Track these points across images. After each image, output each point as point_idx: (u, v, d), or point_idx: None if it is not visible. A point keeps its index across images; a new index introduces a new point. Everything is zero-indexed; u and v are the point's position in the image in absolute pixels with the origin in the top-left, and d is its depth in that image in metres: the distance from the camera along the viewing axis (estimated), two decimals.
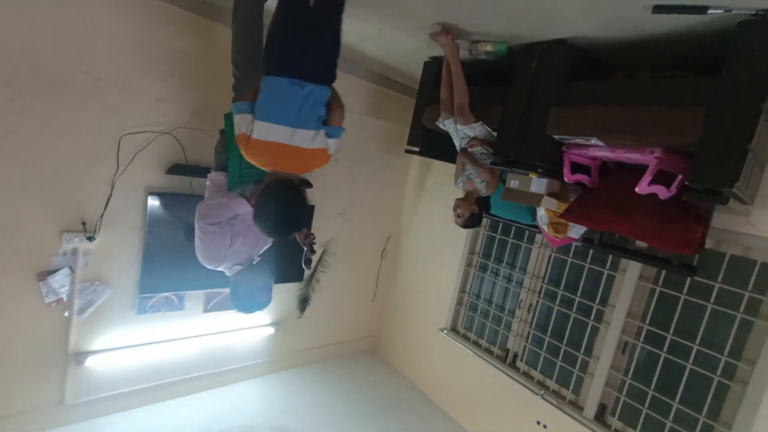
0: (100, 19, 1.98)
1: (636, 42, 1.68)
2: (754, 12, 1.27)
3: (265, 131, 1.32)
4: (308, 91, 1.34)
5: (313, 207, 2.97)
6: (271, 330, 3.07)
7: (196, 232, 1.73)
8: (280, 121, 1.32)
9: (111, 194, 2.16)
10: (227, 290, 2.71)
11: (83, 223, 2.10)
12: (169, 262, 2.37)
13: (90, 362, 2.25)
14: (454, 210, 2.24)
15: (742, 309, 1.90)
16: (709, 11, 1.30)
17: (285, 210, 1.44)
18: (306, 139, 1.38)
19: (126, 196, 2.22)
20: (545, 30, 1.75)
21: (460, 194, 2.34)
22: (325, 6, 1.34)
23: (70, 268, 2.11)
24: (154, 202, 2.26)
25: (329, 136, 1.45)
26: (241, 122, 1.34)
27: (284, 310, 3.14)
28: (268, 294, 1.96)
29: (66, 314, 2.15)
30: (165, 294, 2.46)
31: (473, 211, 2.21)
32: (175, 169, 2.32)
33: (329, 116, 1.45)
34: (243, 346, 2.98)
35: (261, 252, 2.01)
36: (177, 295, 2.52)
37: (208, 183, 1.92)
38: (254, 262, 1.95)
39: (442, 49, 2.04)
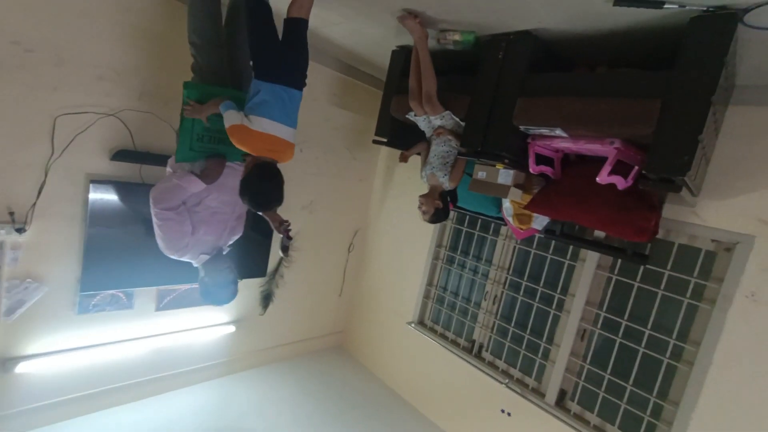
0: None
1: (596, 37, 1.73)
2: (705, 8, 1.33)
3: (266, 125, 1.60)
4: (291, 95, 1.64)
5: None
6: (232, 328, 2.92)
7: (153, 219, 1.67)
8: (278, 119, 1.61)
9: (45, 181, 1.94)
10: (182, 287, 2.56)
11: (11, 213, 1.87)
12: (115, 256, 2.17)
13: (22, 368, 2.02)
14: (419, 207, 2.21)
15: (688, 294, 2.02)
16: (665, 5, 1.35)
17: (273, 184, 1.66)
18: (290, 134, 1.68)
19: (63, 183, 2.00)
20: (512, 21, 1.76)
21: (426, 188, 2.32)
22: (298, 29, 1.65)
23: None
24: (97, 191, 2.06)
25: None
26: (234, 117, 1.58)
27: (246, 307, 3.00)
28: (236, 285, 1.93)
29: None
30: (111, 291, 2.25)
31: (437, 206, 2.17)
32: (122, 155, 2.13)
33: None
34: (200, 346, 2.81)
35: (231, 242, 1.98)
36: (125, 293, 2.32)
37: (168, 169, 1.85)
38: (224, 252, 1.93)
39: (411, 34, 2.00)
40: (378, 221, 3.69)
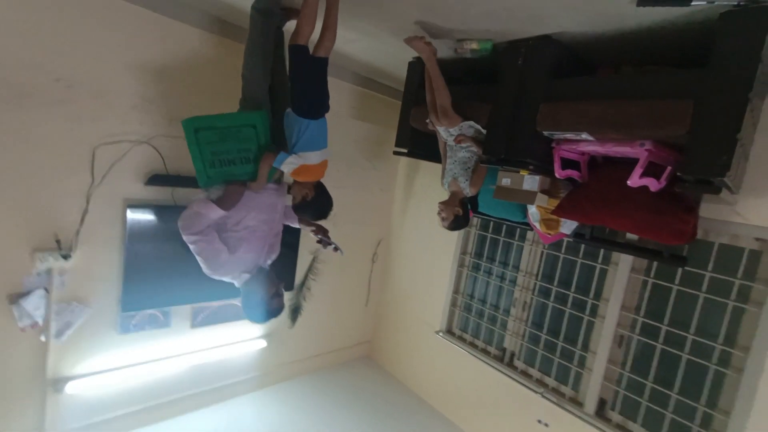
0: (71, 24, 1.88)
1: (619, 37, 1.69)
2: (736, 2, 1.28)
3: (318, 156, 1.87)
4: (325, 121, 1.88)
5: None
6: (263, 342, 2.98)
7: (188, 245, 1.76)
8: (323, 146, 1.90)
9: (87, 208, 2.04)
10: (215, 304, 2.64)
11: (57, 241, 1.99)
12: (152, 277, 2.26)
13: (71, 388, 2.12)
14: (438, 214, 2.21)
15: (733, 297, 1.92)
16: (692, 3, 1.31)
17: (328, 198, 2.02)
18: (329, 154, 1.94)
19: (103, 209, 2.11)
20: (530, 26, 1.75)
21: (447, 195, 2.32)
22: (325, 67, 1.83)
23: (45, 288, 1.99)
24: (133, 215, 2.16)
25: None
26: (291, 162, 1.80)
27: (275, 320, 3.02)
28: (280, 300, 1.98)
29: (42, 338, 2.02)
30: (149, 311, 2.34)
31: (457, 213, 2.15)
32: (155, 179, 2.23)
33: None
34: (234, 361, 2.87)
35: (271, 260, 2.07)
36: (162, 312, 2.41)
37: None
38: (265, 268, 2.01)
39: (419, 54, 2.04)
40: (401, 230, 3.69)
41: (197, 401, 2.71)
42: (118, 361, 2.31)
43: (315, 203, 1.96)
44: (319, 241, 2.22)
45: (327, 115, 1.87)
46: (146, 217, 2.20)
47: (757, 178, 1.81)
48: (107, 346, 2.25)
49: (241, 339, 2.87)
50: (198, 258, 1.77)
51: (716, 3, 1.30)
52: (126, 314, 2.25)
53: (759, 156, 1.80)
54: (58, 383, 2.10)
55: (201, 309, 2.59)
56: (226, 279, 1.87)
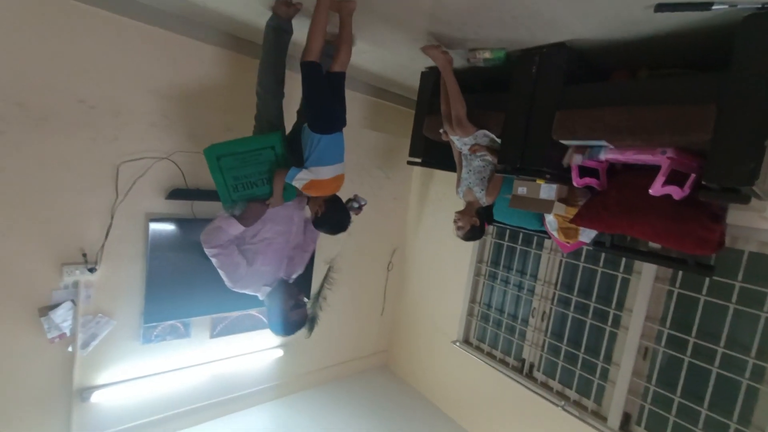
0: (91, 47, 1.96)
1: (635, 42, 1.66)
2: (760, 5, 1.24)
3: (331, 170, 1.86)
4: (341, 136, 1.89)
5: None
6: (280, 352, 3.00)
7: (209, 258, 1.84)
8: (338, 160, 1.89)
9: (111, 224, 2.12)
10: (233, 314, 2.68)
11: (84, 255, 2.06)
12: (172, 289, 2.32)
13: (96, 397, 2.19)
14: (455, 223, 2.20)
15: (766, 308, 1.83)
16: (713, 7, 1.27)
17: (344, 214, 2.04)
18: (343, 167, 1.94)
19: (126, 224, 2.18)
20: (544, 34, 1.73)
21: (462, 204, 2.30)
22: (343, 82, 1.90)
23: (72, 301, 2.06)
24: (155, 229, 2.22)
25: None
26: (302, 176, 1.80)
27: None
28: (301, 312, 2.00)
29: (69, 349, 2.09)
30: (170, 322, 2.40)
31: (474, 223, 2.16)
32: (176, 194, 2.29)
33: None
34: (252, 371, 2.91)
35: (296, 273, 2.13)
36: (182, 323, 2.46)
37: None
38: (290, 281, 2.09)
39: (435, 63, 2.05)
40: (415, 239, 3.68)
41: (216, 410, 2.75)
42: (141, 371, 2.37)
43: (328, 218, 1.97)
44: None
45: None
46: (167, 229, 2.27)
47: None
48: (130, 356, 2.31)
49: (259, 348, 2.90)
50: (219, 272, 1.85)
51: (739, 6, 1.26)
52: (148, 325, 2.31)
53: None
54: (84, 393, 2.16)
55: (220, 319, 2.63)
56: (248, 292, 1.93)
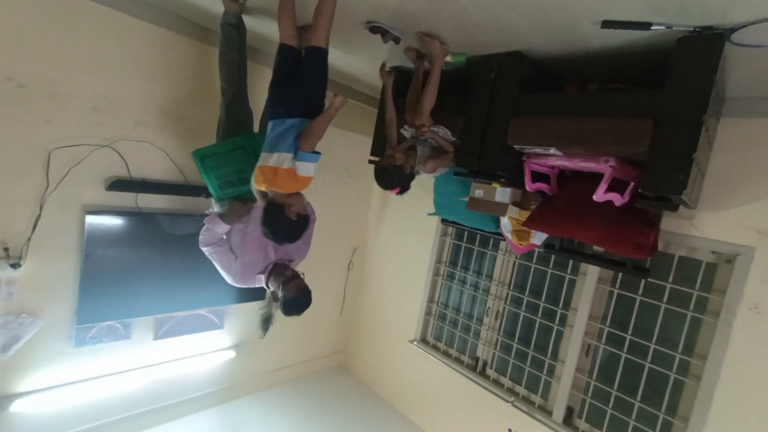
0: (22, 21, 1.77)
1: (585, 56, 1.75)
2: (692, 29, 1.34)
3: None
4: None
5: None
6: (232, 353, 2.88)
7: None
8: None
9: (39, 215, 1.92)
10: (180, 314, 2.53)
11: (5, 249, 1.85)
12: (112, 287, 2.15)
13: (16, 406, 1.98)
14: (389, 152, 1.93)
15: (691, 307, 2.00)
16: (652, 27, 1.37)
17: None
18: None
19: (58, 216, 1.99)
20: (502, 42, 1.78)
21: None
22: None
23: None
24: (93, 222, 2.04)
25: None
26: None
27: (245, 331, 2.96)
28: (295, 285, 1.90)
29: None
30: (108, 323, 2.22)
31: (406, 168, 1.90)
32: (117, 185, 2.12)
33: None
34: (201, 374, 2.76)
35: (293, 259, 2.09)
36: (122, 323, 2.29)
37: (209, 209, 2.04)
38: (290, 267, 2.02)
39: (433, 55, 1.91)
40: (377, 238, 3.67)
41: (161, 416, 2.59)
42: (73, 376, 2.17)
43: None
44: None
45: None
46: (107, 223, 2.09)
47: (713, 194, 1.90)
48: (60, 360, 2.12)
49: (209, 350, 2.76)
50: (219, 270, 1.91)
51: (674, 28, 1.37)
52: (82, 327, 2.12)
53: (714, 173, 1.90)
54: (3, 401, 1.95)
55: (165, 320, 2.48)
56: (255, 285, 1.96)
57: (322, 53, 1.61)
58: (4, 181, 1.83)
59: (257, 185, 1.67)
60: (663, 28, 1.36)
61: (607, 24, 1.41)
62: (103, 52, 2.01)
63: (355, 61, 2.43)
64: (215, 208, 1.98)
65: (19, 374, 2.01)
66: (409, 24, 1.77)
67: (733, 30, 1.29)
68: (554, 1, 1.36)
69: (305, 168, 1.60)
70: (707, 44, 1.32)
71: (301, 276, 1.91)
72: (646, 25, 1.37)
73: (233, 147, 1.95)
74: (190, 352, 2.66)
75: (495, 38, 1.75)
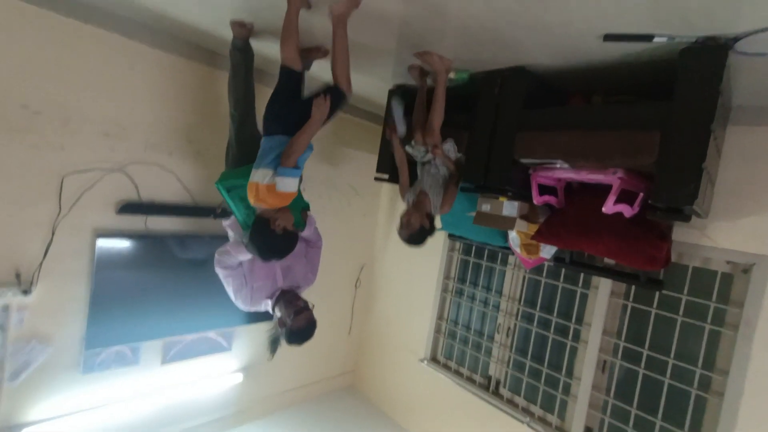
0: (38, 50, 1.84)
1: (589, 69, 1.77)
2: (694, 40, 1.35)
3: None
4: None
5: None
6: (240, 376, 2.84)
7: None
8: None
9: (51, 240, 1.94)
10: (189, 337, 2.51)
11: (17, 275, 1.87)
12: (120, 311, 2.14)
13: None
14: (403, 219, 1.95)
15: (709, 320, 1.95)
16: (654, 39, 1.38)
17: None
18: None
19: (70, 240, 2.01)
20: (505, 58, 1.80)
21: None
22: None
23: (1, 327, 1.85)
24: (103, 245, 2.06)
25: None
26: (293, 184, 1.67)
27: (253, 353, 2.93)
28: (304, 317, 1.90)
29: None
30: (116, 348, 2.20)
31: (424, 224, 1.94)
32: (127, 208, 2.15)
33: None
34: (209, 398, 2.72)
35: (300, 284, 2.08)
36: (131, 348, 2.27)
37: (225, 223, 2.10)
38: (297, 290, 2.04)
39: (436, 71, 1.94)
40: (384, 255, 3.65)
41: None
42: (81, 404, 2.14)
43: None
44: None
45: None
46: (117, 246, 2.11)
47: (723, 203, 1.87)
48: (68, 387, 2.10)
49: (217, 374, 2.73)
50: (229, 293, 1.92)
51: (676, 40, 1.38)
52: (90, 352, 2.11)
53: (724, 182, 1.88)
54: (12, 431, 1.92)
55: (173, 343, 2.46)
56: (261, 309, 1.97)
57: (340, 95, 1.71)
58: (18, 207, 1.86)
59: (251, 202, 1.70)
60: (665, 40, 1.37)
61: (610, 37, 1.43)
62: (115, 78, 2.06)
63: (359, 80, 2.47)
64: (242, 237, 1.91)
65: (28, 402, 1.99)
66: (412, 44, 1.80)
67: (736, 39, 1.30)
68: (557, 17, 1.38)
69: (284, 183, 1.61)
70: (711, 54, 1.33)
71: (312, 307, 1.91)
72: (648, 38, 1.38)
73: None
74: (198, 376, 2.63)
75: (498, 55, 1.78)
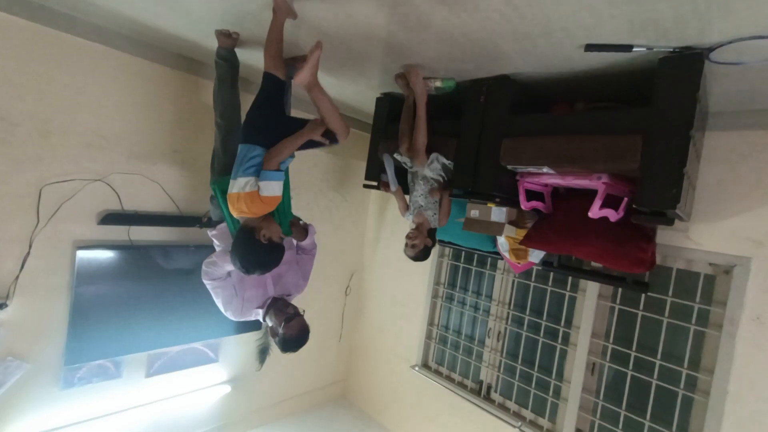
0: (17, 61, 1.79)
1: (572, 77, 1.80)
2: (672, 49, 1.39)
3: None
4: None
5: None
6: (227, 388, 2.78)
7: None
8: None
9: (29, 253, 1.88)
10: (173, 349, 2.45)
11: None
12: (102, 324, 2.08)
13: None
14: (410, 239, 2.14)
15: (693, 320, 1.99)
16: (633, 49, 1.41)
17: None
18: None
19: (48, 253, 1.94)
20: (490, 67, 1.83)
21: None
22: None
23: None
24: (83, 258, 2.00)
25: None
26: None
27: (241, 364, 2.87)
28: (296, 324, 1.89)
29: None
30: (98, 362, 2.13)
31: (427, 243, 2.14)
32: (110, 218, 2.09)
33: None
34: (196, 412, 2.65)
35: (290, 292, 2.05)
36: (113, 362, 2.20)
37: (211, 232, 2.00)
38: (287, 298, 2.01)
39: (414, 89, 2.00)
40: (373, 262, 3.64)
41: None
42: (60, 421, 2.07)
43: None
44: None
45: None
46: (98, 257, 2.05)
47: (705, 206, 1.92)
48: (46, 404, 2.02)
49: (203, 386, 2.66)
50: (218, 304, 1.87)
51: (655, 49, 1.42)
52: (70, 367, 2.03)
53: (705, 185, 1.93)
54: None
55: (158, 356, 2.39)
56: (250, 318, 1.94)
57: (335, 140, 1.73)
58: None
59: (234, 214, 1.64)
60: (644, 49, 1.41)
61: (591, 47, 1.46)
62: (98, 89, 2.02)
63: (347, 88, 2.47)
64: (228, 246, 1.90)
65: (4, 421, 1.90)
66: (398, 54, 1.82)
67: (711, 49, 1.34)
68: (538, 28, 1.41)
69: (269, 187, 1.55)
70: (688, 63, 1.37)
71: (302, 313, 1.88)
72: (627, 48, 1.42)
73: None
74: (184, 388, 2.56)
75: (483, 64, 1.80)
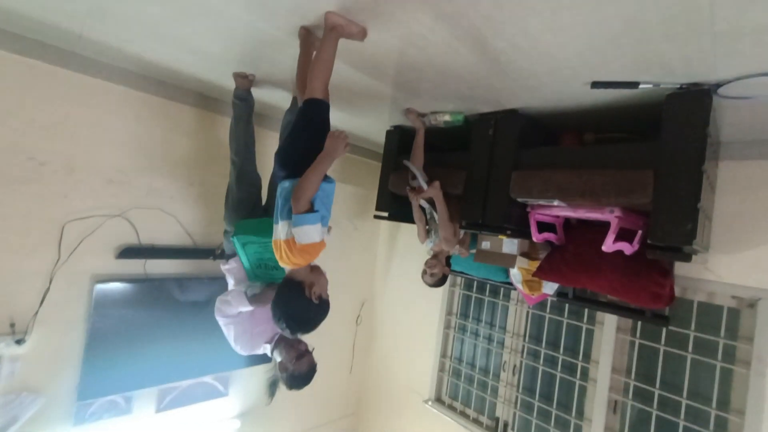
0: (44, 102, 1.90)
1: (580, 111, 1.82)
2: (679, 86, 1.41)
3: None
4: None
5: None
6: (237, 423, 2.72)
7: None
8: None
9: (49, 288, 1.92)
10: (185, 383, 2.44)
11: (11, 325, 1.83)
12: (115, 358, 2.09)
13: None
14: (430, 268, 2.21)
15: (719, 357, 1.90)
16: (640, 86, 1.43)
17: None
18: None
19: (68, 288, 1.99)
20: (498, 103, 1.87)
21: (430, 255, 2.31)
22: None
23: None
24: (101, 291, 2.04)
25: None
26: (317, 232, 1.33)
27: (251, 397, 2.82)
28: (306, 361, 1.87)
29: None
30: (109, 397, 2.13)
31: (445, 272, 2.22)
32: (127, 252, 2.14)
33: None
34: None
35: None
36: (124, 397, 2.19)
37: (223, 266, 2.06)
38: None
39: (414, 125, 2.23)
40: (384, 291, 3.61)
41: None
42: None
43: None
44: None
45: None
46: (114, 291, 2.09)
47: (722, 237, 1.87)
48: None
49: (213, 421, 2.62)
50: (226, 336, 1.90)
51: (662, 86, 1.43)
52: (83, 402, 2.03)
53: (721, 215, 1.89)
54: None
55: (168, 390, 2.38)
56: (259, 353, 1.93)
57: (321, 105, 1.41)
58: (18, 256, 1.85)
59: (280, 264, 1.39)
60: (651, 86, 1.43)
61: (597, 85, 1.48)
62: (120, 127, 2.12)
63: (359, 120, 2.54)
64: (245, 288, 1.94)
65: None
66: (408, 89, 1.87)
67: (718, 85, 1.35)
68: (544, 66, 1.44)
69: (304, 234, 1.28)
70: (696, 99, 1.38)
71: (312, 350, 1.87)
72: (634, 85, 1.44)
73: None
74: (193, 424, 2.52)
75: (491, 99, 1.84)
